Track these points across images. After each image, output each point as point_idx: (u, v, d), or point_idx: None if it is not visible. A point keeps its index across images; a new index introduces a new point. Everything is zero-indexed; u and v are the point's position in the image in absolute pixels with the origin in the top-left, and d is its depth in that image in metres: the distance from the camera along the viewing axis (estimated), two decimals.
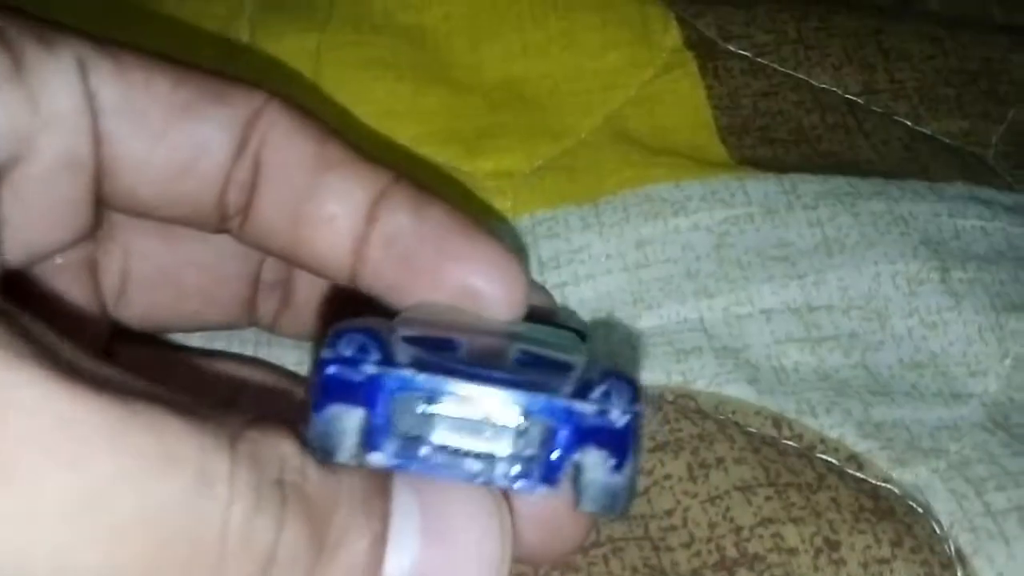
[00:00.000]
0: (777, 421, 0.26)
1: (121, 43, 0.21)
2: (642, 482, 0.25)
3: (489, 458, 0.17)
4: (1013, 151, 0.34)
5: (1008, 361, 0.28)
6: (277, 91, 0.22)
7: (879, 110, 0.35)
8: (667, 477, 0.25)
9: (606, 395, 0.18)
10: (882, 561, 0.24)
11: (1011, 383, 0.28)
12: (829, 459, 0.26)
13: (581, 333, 0.21)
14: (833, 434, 0.26)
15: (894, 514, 0.25)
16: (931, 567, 0.24)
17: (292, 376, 0.26)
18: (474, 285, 0.21)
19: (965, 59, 0.36)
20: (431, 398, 0.17)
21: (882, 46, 0.36)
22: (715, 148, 0.34)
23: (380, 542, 0.17)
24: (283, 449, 0.16)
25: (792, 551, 0.24)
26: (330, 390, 0.17)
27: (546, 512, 0.20)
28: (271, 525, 0.16)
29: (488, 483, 0.17)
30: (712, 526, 0.24)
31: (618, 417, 0.18)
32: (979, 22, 0.39)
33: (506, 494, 0.19)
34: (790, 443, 0.26)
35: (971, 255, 0.30)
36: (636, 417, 0.18)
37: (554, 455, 0.17)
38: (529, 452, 0.18)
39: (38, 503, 0.14)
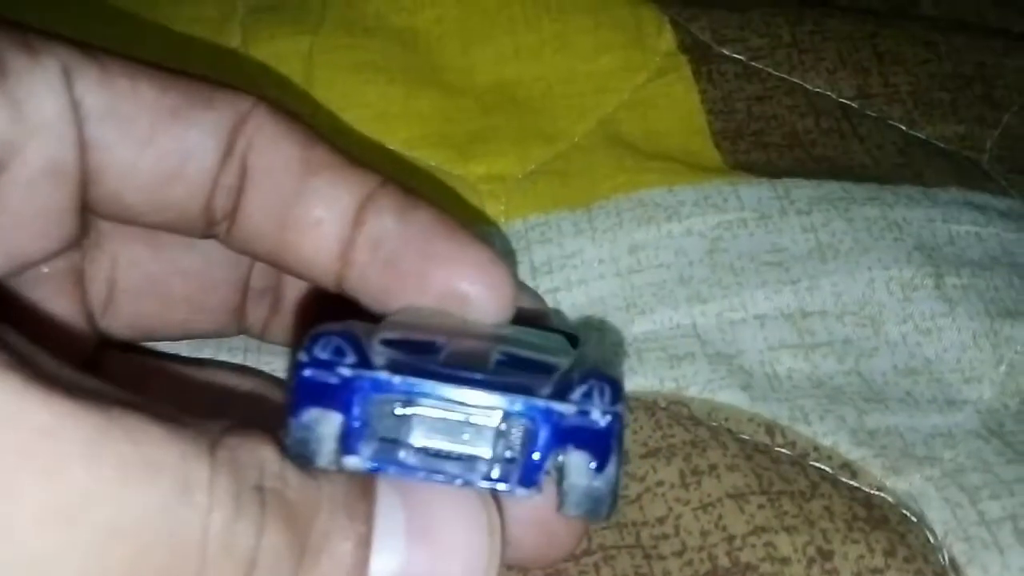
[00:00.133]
0: (770, 428, 0.26)
1: (106, 50, 0.21)
2: (634, 488, 0.25)
3: (469, 460, 0.17)
4: (1008, 156, 0.34)
5: (1003, 367, 0.28)
6: (264, 95, 0.22)
7: (873, 114, 0.35)
8: (659, 484, 0.25)
9: (587, 395, 0.17)
10: (875, 571, 0.23)
11: (1005, 390, 0.28)
12: (822, 467, 0.26)
13: (572, 336, 0.21)
14: (826, 441, 0.26)
15: (888, 523, 0.24)
16: None
17: (280, 383, 0.25)
18: (460, 288, 0.21)
19: (960, 63, 0.36)
20: (408, 400, 0.17)
21: (877, 50, 0.36)
22: (709, 152, 0.34)
23: (364, 544, 0.17)
24: (262, 455, 0.16)
25: (785, 560, 0.24)
26: (306, 393, 0.17)
27: (538, 517, 0.20)
28: (251, 531, 0.16)
29: (468, 485, 0.17)
30: (704, 534, 0.24)
31: (599, 417, 0.17)
32: (974, 26, 0.39)
33: (496, 496, 0.18)
34: (783, 450, 0.26)
35: (965, 261, 0.30)
36: (618, 417, 0.17)
37: (535, 456, 0.17)
38: (510, 454, 0.17)
39: (15, 513, 0.14)
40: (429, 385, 0.17)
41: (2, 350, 0.15)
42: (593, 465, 0.17)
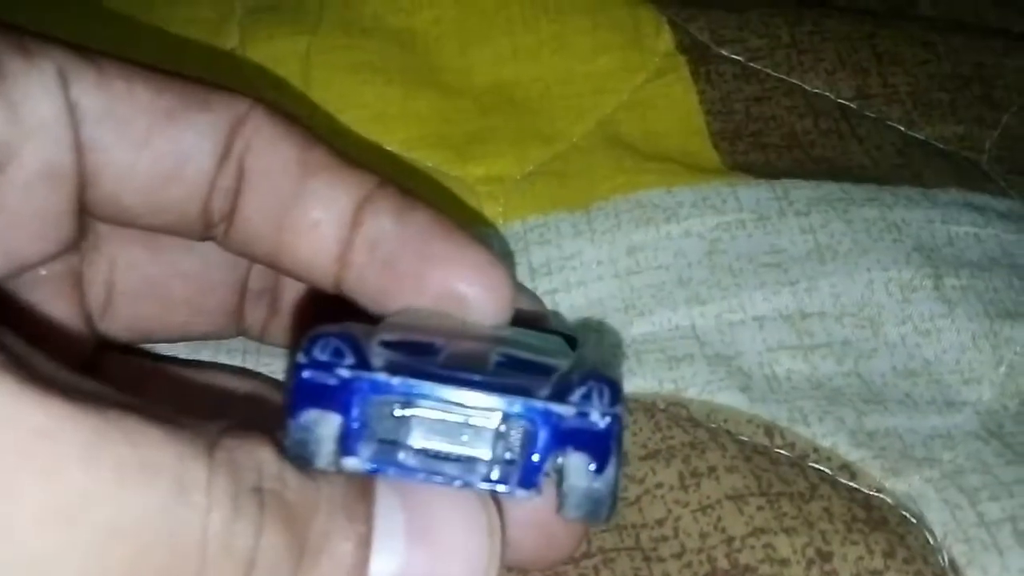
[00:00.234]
0: (769, 429, 0.26)
1: (102, 52, 0.21)
2: (633, 490, 0.25)
3: (468, 461, 0.17)
4: (1007, 156, 0.34)
5: (1002, 369, 0.28)
6: (261, 97, 0.22)
7: (872, 115, 0.35)
8: (658, 486, 0.25)
9: (586, 397, 0.17)
10: (875, 572, 0.23)
11: (1005, 391, 0.28)
12: (822, 468, 0.26)
13: (571, 338, 0.21)
14: (826, 443, 0.26)
15: (887, 524, 0.24)
16: None
17: (279, 385, 0.25)
18: (458, 290, 0.21)
19: (959, 64, 0.36)
20: (407, 402, 0.17)
21: (875, 51, 0.36)
22: (707, 153, 0.33)
23: (364, 545, 0.17)
24: (261, 456, 0.16)
25: (784, 562, 0.23)
26: (304, 395, 0.17)
27: (538, 518, 0.20)
28: (250, 531, 0.16)
29: (467, 486, 0.17)
30: (703, 536, 0.24)
31: (599, 419, 0.17)
32: (972, 26, 0.39)
33: (496, 497, 0.18)
34: (782, 452, 0.26)
35: (965, 262, 0.30)
36: (617, 419, 0.17)
37: (534, 457, 0.17)
38: (509, 455, 0.17)
39: (14, 514, 0.14)
40: (428, 386, 0.17)
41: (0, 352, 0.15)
42: (592, 467, 0.17)
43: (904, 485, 0.25)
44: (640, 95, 0.35)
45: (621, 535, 0.24)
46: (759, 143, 0.34)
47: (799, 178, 0.32)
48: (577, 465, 0.17)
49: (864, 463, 0.26)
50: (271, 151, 0.21)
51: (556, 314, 0.29)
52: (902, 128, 0.35)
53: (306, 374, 0.17)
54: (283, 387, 0.25)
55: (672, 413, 0.27)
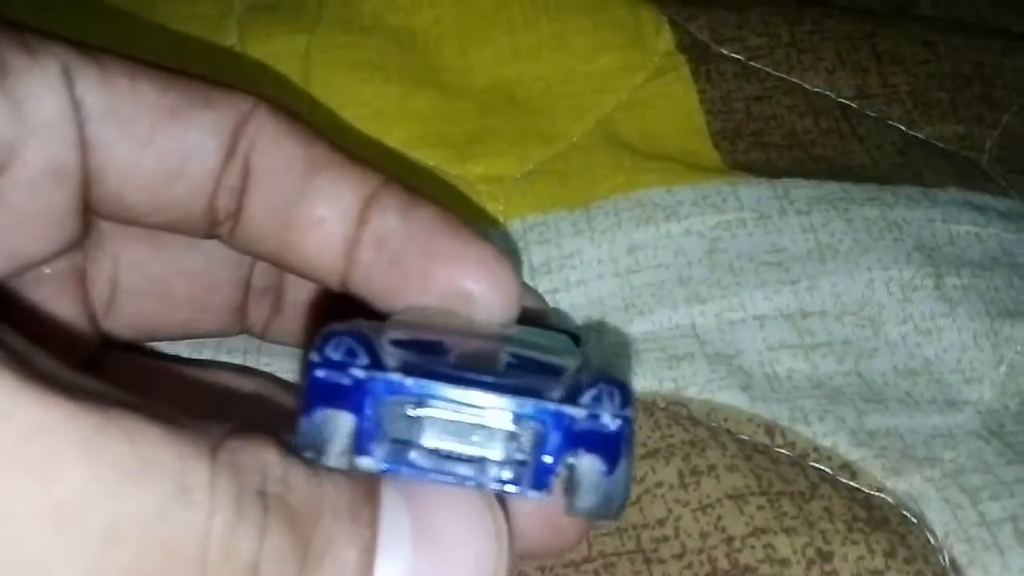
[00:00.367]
0: (770, 429, 0.26)
1: (106, 49, 0.20)
2: (634, 490, 0.25)
3: (480, 462, 0.17)
4: (1007, 156, 0.34)
5: (1003, 368, 0.28)
6: (264, 95, 0.22)
7: (872, 114, 0.35)
8: (658, 484, 0.25)
9: (597, 399, 0.17)
10: (875, 572, 0.23)
11: (1006, 390, 0.27)
12: (822, 467, 0.26)
13: (575, 336, 0.21)
14: (826, 442, 0.26)
15: (888, 524, 0.24)
16: None
17: (283, 384, 0.25)
18: (465, 287, 0.21)
19: (959, 63, 0.36)
20: (420, 402, 0.17)
21: (876, 50, 0.36)
22: (707, 153, 0.33)
23: (369, 550, 0.17)
24: (265, 458, 0.16)
25: (784, 562, 0.23)
26: (318, 394, 0.17)
27: (544, 510, 0.20)
28: (253, 535, 0.15)
29: (479, 487, 0.17)
30: (704, 536, 0.24)
31: (609, 421, 0.17)
32: (973, 26, 0.39)
33: (504, 498, 0.18)
34: (783, 451, 0.26)
35: (965, 261, 0.30)
36: (628, 421, 0.18)
37: (545, 459, 0.17)
38: (520, 456, 0.17)
39: (9, 514, 0.14)
40: (441, 387, 0.17)
41: None
42: (603, 468, 0.17)
43: (905, 485, 0.25)
44: (640, 94, 0.35)
45: (622, 537, 0.24)
46: (759, 142, 0.34)
47: (800, 177, 0.31)
48: (588, 466, 0.17)
49: (865, 462, 0.26)
50: (276, 149, 0.21)
51: (557, 311, 0.29)
52: (902, 127, 0.34)
53: (320, 373, 0.17)
54: (293, 386, 0.25)
55: (672, 412, 0.26)
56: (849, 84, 0.35)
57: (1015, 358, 0.28)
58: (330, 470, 0.17)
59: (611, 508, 0.18)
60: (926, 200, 0.31)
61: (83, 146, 0.20)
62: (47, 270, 0.21)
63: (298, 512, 0.16)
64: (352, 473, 0.17)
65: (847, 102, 0.35)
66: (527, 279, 0.30)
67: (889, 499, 0.25)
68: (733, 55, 0.36)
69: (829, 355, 0.28)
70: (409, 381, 0.17)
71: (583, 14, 0.37)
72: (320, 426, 0.17)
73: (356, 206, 0.21)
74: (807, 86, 0.35)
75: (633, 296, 0.29)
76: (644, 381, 0.27)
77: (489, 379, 0.17)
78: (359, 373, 0.17)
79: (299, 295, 0.25)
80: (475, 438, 0.17)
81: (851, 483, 0.25)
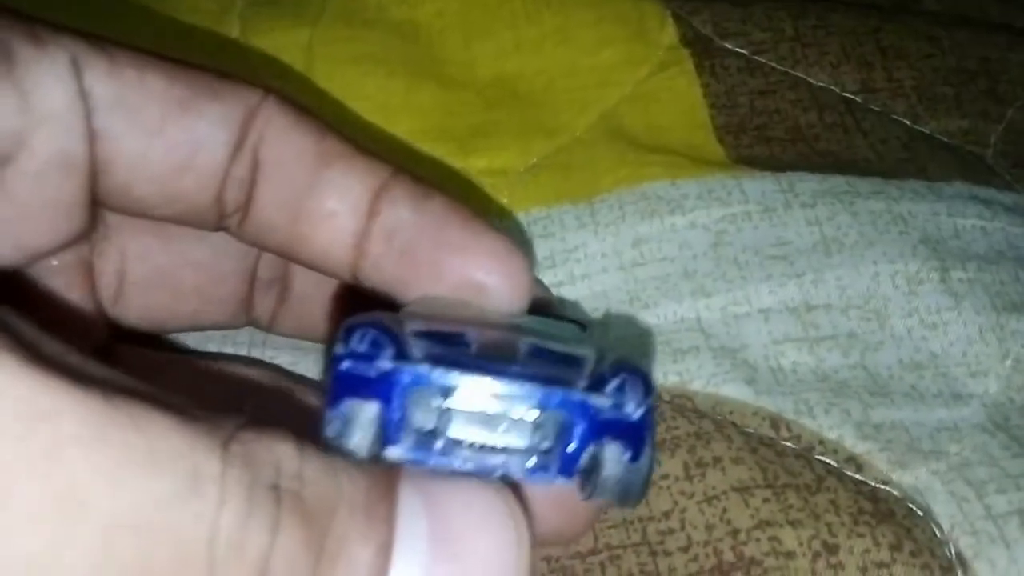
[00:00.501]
0: (775, 421, 0.26)
1: (114, 41, 0.20)
2: None
3: (505, 451, 0.17)
4: (1012, 150, 0.34)
5: (1009, 362, 0.28)
6: (273, 87, 0.22)
7: (877, 109, 0.35)
8: (664, 477, 0.25)
9: (620, 388, 0.18)
10: (881, 565, 0.23)
11: (1011, 384, 0.27)
12: (828, 460, 0.25)
13: (580, 324, 0.21)
14: (832, 435, 0.26)
15: (894, 517, 0.24)
16: (931, 571, 0.23)
17: (294, 377, 0.25)
18: (477, 278, 0.21)
19: (963, 58, 0.36)
20: (446, 392, 0.17)
21: (880, 45, 0.36)
22: (711, 147, 0.33)
23: (385, 549, 0.16)
24: (279, 451, 0.16)
25: (790, 555, 0.23)
26: (345, 385, 0.17)
27: (561, 497, 0.19)
28: (265, 530, 0.15)
29: (505, 476, 0.17)
30: (709, 528, 0.24)
31: (633, 410, 0.18)
32: (977, 21, 0.39)
33: (519, 493, 0.18)
34: (788, 444, 0.26)
35: (971, 255, 0.29)
36: (651, 410, 0.18)
37: (571, 447, 0.17)
38: (545, 445, 0.18)
39: (9, 503, 0.13)
40: (467, 378, 0.17)
41: (2, 332, 0.14)
42: (628, 456, 0.18)
43: (911, 478, 0.25)
44: (644, 88, 0.35)
45: (627, 530, 0.24)
46: (763, 136, 0.33)
47: (804, 171, 0.31)
48: (613, 455, 0.18)
49: (870, 455, 0.25)
50: (285, 141, 0.21)
51: (562, 300, 0.29)
52: (907, 122, 0.34)
53: (346, 365, 0.17)
54: (303, 379, 0.25)
55: (677, 405, 0.26)
56: (853, 79, 0.35)
57: (1021, 352, 0.28)
58: (347, 465, 0.16)
59: (633, 496, 0.18)
60: (931, 194, 0.31)
61: (91, 137, 0.20)
62: (54, 262, 0.21)
63: (313, 507, 0.16)
64: (377, 465, 0.17)
65: (851, 96, 0.35)
66: None
67: (895, 492, 0.25)
68: (737, 49, 0.36)
69: (834, 348, 0.28)
70: (436, 372, 0.17)
71: (586, 8, 0.37)
72: (346, 417, 0.17)
73: (366, 198, 0.21)
74: (811, 80, 0.35)
75: (638, 289, 0.29)
76: None
77: (515, 369, 0.17)
78: (386, 364, 0.17)
79: (305, 287, 0.25)
80: (501, 428, 0.17)
81: (857, 476, 0.25)
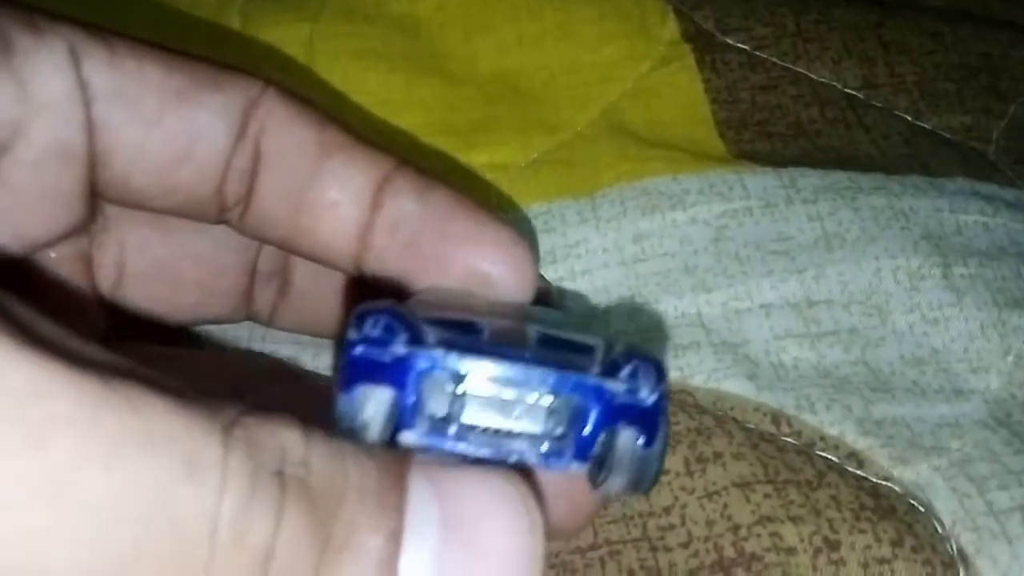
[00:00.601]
0: (776, 417, 0.26)
1: (113, 31, 0.20)
2: None
3: (519, 437, 0.17)
4: (1014, 147, 0.34)
5: (1010, 358, 0.28)
6: (273, 78, 0.21)
7: (879, 105, 0.35)
8: (664, 472, 0.24)
9: (634, 374, 0.18)
10: (882, 561, 0.23)
11: (1013, 380, 0.27)
12: (829, 456, 0.25)
13: (583, 314, 0.21)
14: (833, 431, 0.26)
15: (895, 513, 0.24)
16: (933, 567, 0.23)
17: (297, 369, 0.25)
18: (483, 269, 0.21)
19: (965, 54, 0.36)
20: (460, 378, 0.17)
21: (882, 40, 0.36)
22: (713, 142, 0.33)
23: (395, 537, 0.16)
24: (284, 437, 0.15)
25: (791, 551, 0.23)
26: (358, 370, 0.17)
27: (566, 487, 0.19)
28: (269, 517, 0.14)
29: (519, 462, 0.17)
30: (710, 524, 0.24)
31: (647, 395, 0.18)
32: (979, 17, 0.39)
33: (533, 482, 0.18)
34: (789, 440, 0.26)
35: (973, 251, 0.29)
36: (664, 395, 0.18)
37: (585, 431, 0.17)
38: (559, 430, 0.18)
39: (2, 480, 0.13)
40: (481, 363, 0.17)
41: None
42: (641, 441, 0.18)
43: (912, 474, 0.25)
44: (645, 84, 0.35)
45: (628, 526, 0.24)
46: (765, 132, 0.33)
47: (806, 167, 0.31)
48: (627, 440, 0.17)
49: (872, 451, 0.25)
50: (287, 132, 0.21)
51: (562, 291, 0.29)
52: (909, 118, 0.34)
53: (359, 350, 0.17)
54: (307, 372, 0.25)
55: (678, 400, 0.26)
56: (855, 74, 0.35)
57: (1022, 348, 0.28)
58: (355, 452, 0.16)
59: (645, 482, 0.18)
60: (933, 190, 0.31)
61: (90, 127, 0.20)
62: (52, 254, 0.21)
63: (319, 494, 0.15)
64: (388, 451, 0.16)
65: (853, 92, 0.35)
66: None
67: (896, 488, 0.25)
68: (739, 45, 0.35)
69: (836, 344, 0.28)
70: (450, 357, 0.17)
71: (588, 3, 0.37)
72: (359, 402, 0.17)
73: (369, 189, 0.21)
74: (813, 76, 0.35)
75: (639, 285, 0.29)
76: None
77: (528, 355, 0.17)
78: (400, 349, 0.17)
79: (305, 281, 0.25)
80: (515, 414, 0.17)
81: (858, 472, 0.25)
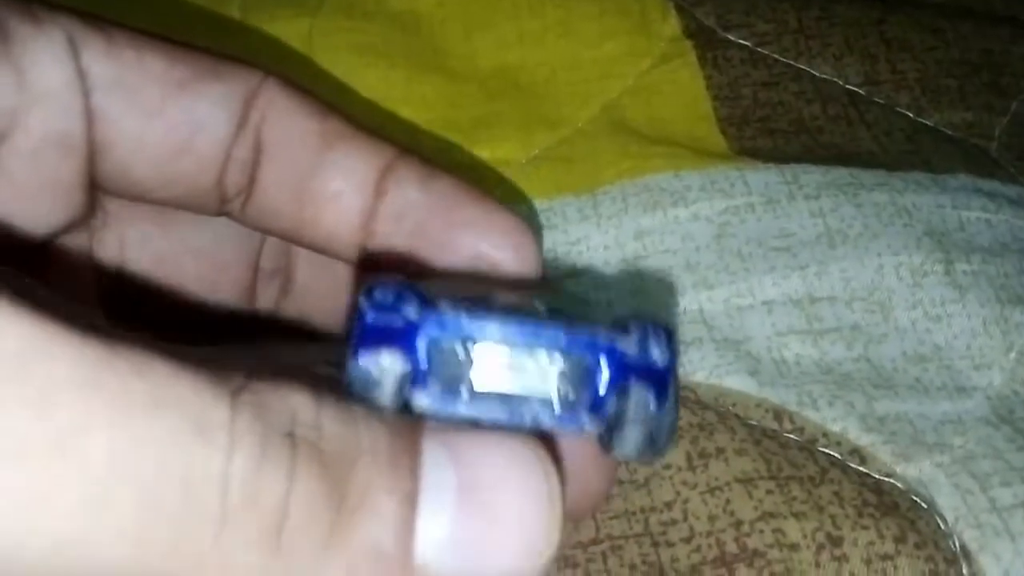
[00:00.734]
0: (778, 414, 0.26)
1: (113, 21, 0.20)
2: (641, 472, 0.25)
3: (532, 400, 0.17)
4: (1016, 143, 0.34)
5: (1013, 354, 0.28)
6: (274, 69, 0.21)
7: (881, 101, 0.34)
8: (666, 467, 0.24)
9: (644, 335, 0.17)
10: (885, 557, 0.23)
11: (1016, 376, 0.27)
12: (831, 453, 0.25)
13: (586, 300, 0.21)
14: (835, 427, 0.26)
15: (898, 509, 0.24)
16: (936, 563, 0.23)
17: (299, 361, 0.25)
18: (488, 254, 0.20)
19: (967, 50, 0.36)
20: (472, 341, 0.17)
21: (884, 36, 0.36)
22: (714, 139, 0.33)
23: (410, 500, 0.15)
24: (294, 400, 0.15)
25: (793, 546, 0.23)
26: (370, 336, 0.17)
27: (577, 466, 0.19)
28: (280, 478, 0.14)
29: (534, 425, 0.17)
30: (712, 519, 0.24)
31: (659, 355, 0.17)
32: (981, 14, 0.38)
33: (553, 450, 0.18)
34: (791, 436, 0.26)
35: (975, 247, 0.29)
36: (675, 357, 0.18)
37: (600, 389, 0.17)
38: (573, 392, 0.17)
39: (5, 441, 0.13)
40: (494, 327, 0.17)
41: None
42: (654, 401, 0.17)
43: (915, 470, 0.25)
44: (646, 80, 0.35)
45: (630, 521, 0.24)
46: (767, 128, 0.33)
47: (808, 163, 0.31)
48: (639, 399, 0.17)
49: (874, 448, 0.25)
50: (288, 122, 0.21)
51: (560, 285, 0.29)
52: (911, 114, 0.34)
53: (371, 316, 0.17)
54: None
55: (680, 397, 0.26)
56: (857, 71, 0.35)
57: None
58: (367, 416, 0.16)
59: (659, 445, 0.17)
60: (936, 186, 0.31)
61: (89, 117, 0.20)
62: (52, 249, 0.21)
63: (332, 457, 0.15)
64: (401, 417, 0.16)
65: (855, 89, 0.35)
66: None
67: (899, 484, 0.25)
68: (740, 41, 0.35)
69: (838, 340, 0.28)
70: (463, 320, 0.17)
71: (588, 0, 0.36)
72: (371, 368, 0.16)
73: (372, 177, 0.21)
74: (815, 72, 0.35)
75: None
76: None
77: (540, 318, 0.17)
78: (411, 313, 0.17)
79: (308, 277, 0.24)
80: (527, 376, 0.17)
81: (861, 468, 0.25)
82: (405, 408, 0.17)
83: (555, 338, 0.17)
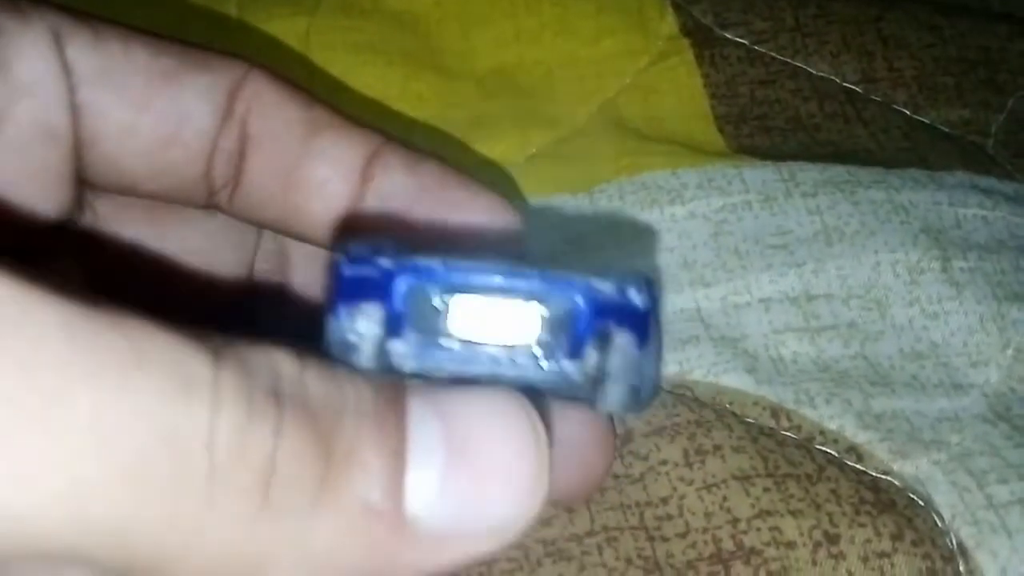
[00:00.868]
0: (775, 411, 0.26)
1: (98, 15, 0.20)
2: (638, 467, 0.25)
3: (512, 347, 0.17)
4: (1013, 140, 0.34)
5: (1010, 351, 0.28)
6: (258, 61, 0.21)
7: (878, 99, 0.34)
8: (663, 463, 0.24)
9: (622, 279, 0.17)
10: (882, 555, 0.23)
11: (1012, 374, 0.27)
12: (828, 450, 0.25)
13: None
14: (832, 425, 0.26)
15: (895, 507, 0.24)
16: (933, 561, 0.23)
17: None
18: (475, 235, 0.21)
19: (964, 48, 0.36)
20: (451, 289, 0.17)
21: (881, 34, 0.36)
22: (711, 137, 0.33)
23: (398, 455, 0.15)
24: (277, 359, 0.15)
25: (790, 544, 0.23)
26: (346, 289, 0.16)
27: (572, 445, 0.19)
28: (267, 434, 0.14)
29: (519, 375, 0.17)
30: (708, 516, 0.24)
31: (636, 296, 0.17)
32: (977, 11, 0.38)
33: (542, 409, 0.18)
34: (788, 434, 0.26)
35: (972, 244, 0.29)
36: (656, 301, 0.17)
37: (578, 330, 0.17)
38: (552, 337, 0.17)
39: None
40: (472, 275, 0.17)
41: None
42: (635, 344, 0.17)
43: (912, 467, 0.25)
44: (644, 78, 0.35)
45: (625, 514, 0.24)
46: (764, 126, 0.33)
47: (805, 161, 0.31)
48: (620, 343, 0.17)
49: (871, 445, 0.25)
50: (274, 112, 0.21)
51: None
52: (908, 112, 0.34)
53: (347, 270, 0.17)
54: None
55: (678, 394, 0.26)
56: (854, 68, 0.35)
57: (1022, 341, 0.28)
58: (351, 374, 0.16)
59: (644, 392, 0.17)
60: (932, 183, 0.31)
61: (75, 109, 0.20)
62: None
63: (317, 413, 0.15)
64: (381, 374, 0.16)
65: (852, 86, 0.35)
66: None
67: (896, 482, 0.25)
68: (737, 39, 0.35)
69: (835, 338, 0.28)
70: (439, 268, 0.17)
71: None
72: (349, 321, 0.16)
73: (358, 165, 0.21)
74: (812, 70, 0.35)
75: None
76: None
77: (517, 265, 0.17)
78: (386, 263, 0.16)
79: (304, 279, 0.24)
80: (506, 322, 0.17)
81: (858, 466, 0.25)
82: (388, 370, 0.16)
83: (532, 283, 0.17)
